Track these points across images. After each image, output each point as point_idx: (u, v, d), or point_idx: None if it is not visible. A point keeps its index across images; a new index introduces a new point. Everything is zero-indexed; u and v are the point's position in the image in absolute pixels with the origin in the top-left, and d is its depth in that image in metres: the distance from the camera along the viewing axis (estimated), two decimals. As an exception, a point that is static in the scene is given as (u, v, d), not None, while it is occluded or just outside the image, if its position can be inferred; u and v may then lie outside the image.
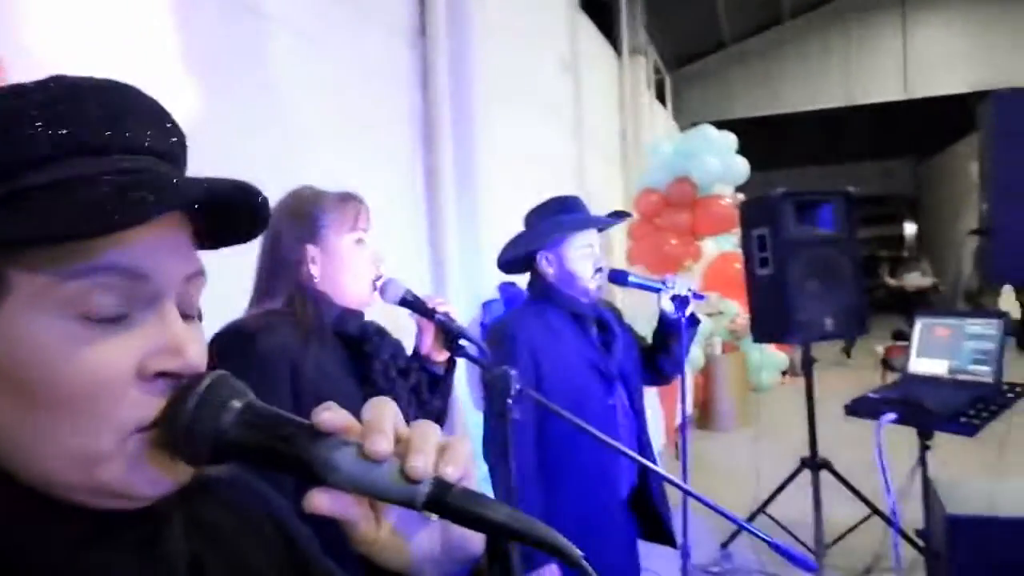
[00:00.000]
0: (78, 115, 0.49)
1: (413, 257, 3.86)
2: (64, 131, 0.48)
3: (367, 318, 1.59)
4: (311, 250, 1.51)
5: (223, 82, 2.52)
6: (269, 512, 0.69)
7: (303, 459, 0.49)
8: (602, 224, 2.23)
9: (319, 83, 3.12)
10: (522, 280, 2.33)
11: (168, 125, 0.55)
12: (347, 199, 1.56)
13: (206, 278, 0.56)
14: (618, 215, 2.33)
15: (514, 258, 2.20)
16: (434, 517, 0.50)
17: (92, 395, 0.48)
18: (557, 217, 2.14)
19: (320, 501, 0.49)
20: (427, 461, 0.49)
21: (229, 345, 1.39)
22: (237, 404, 0.50)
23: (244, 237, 0.58)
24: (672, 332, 2.24)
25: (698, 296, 2.25)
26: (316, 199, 1.54)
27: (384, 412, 0.51)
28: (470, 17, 4.24)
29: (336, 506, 0.50)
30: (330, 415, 0.50)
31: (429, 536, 0.54)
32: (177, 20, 2.33)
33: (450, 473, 0.49)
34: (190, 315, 0.55)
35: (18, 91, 0.49)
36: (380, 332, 1.57)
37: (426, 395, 1.62)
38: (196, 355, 0.52)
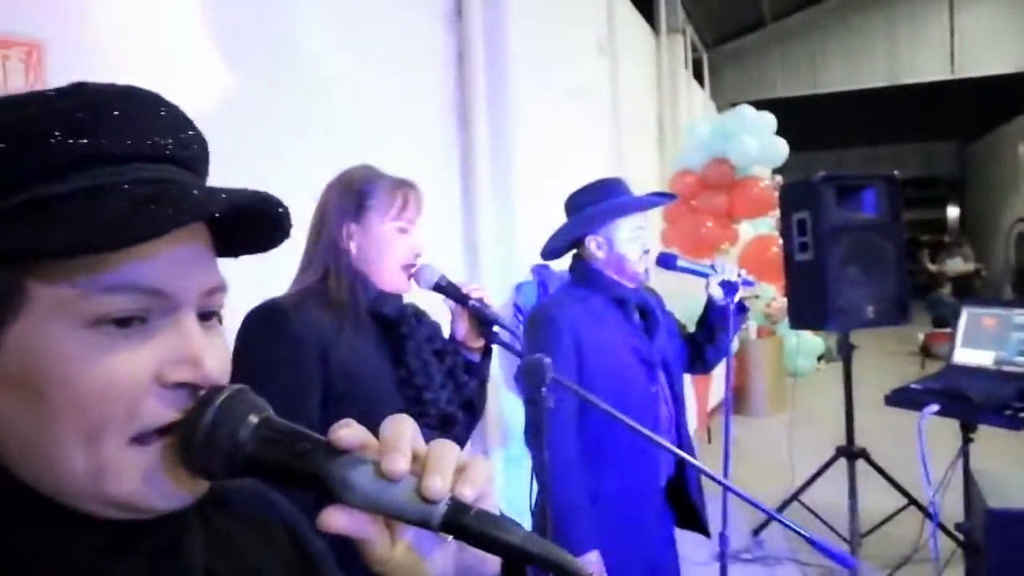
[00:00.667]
0: (99, 124, 0.49)
1: (447, 238, 3.85)
2: (84, 140, 0.48)
3: (407, 300, 1.60)
4: (352, 228, 1.53)
5: (262, 66, 2.51)
6: (284, 524, 0.69)
7: (319, 476, 0.49)
8: (654, 205, 2.21)
9: (355, 64, 3.11)
10: (556, 263, 2.31)
11: (190, 133, 0.55)
12: (400, 185, 1.56)
13: (227, 290, 0.57)
14: (663, 195, 2.31)
15: (561, 244, 2.19)
16: (450, 538, 0.50)
17: (109, 401, 0.48)
18: (606, 200, 2.11)
19: (335, 519, 0.49)
20: (444, 481, 0.48)
21: (261, 322, 1.41)
22: (254, 419, 0.50)
23: (265, 246, 0.58)
24: (719, 319, 2.20)
25: (748, 282, 2.21)
26: (367, 179, 1.56)
27: (402, 430, 0.50)
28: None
29: (351, 524, 0.49)
30: (347, 432, 0.49)
31: (444, 556, 0.53)
32: (215, 3, 2.33)
33: (467, 494, 0.49)
34: (209, 321, 0.55)
35: (40, 99, 0.49)
36: (417, 314, 1.58)
37: (463, 378, 1.61)
38: (214, 366, 0.52)
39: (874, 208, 3.56)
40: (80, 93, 0.50)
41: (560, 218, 2.25)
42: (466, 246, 4.03)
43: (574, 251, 2.20)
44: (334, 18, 3.01)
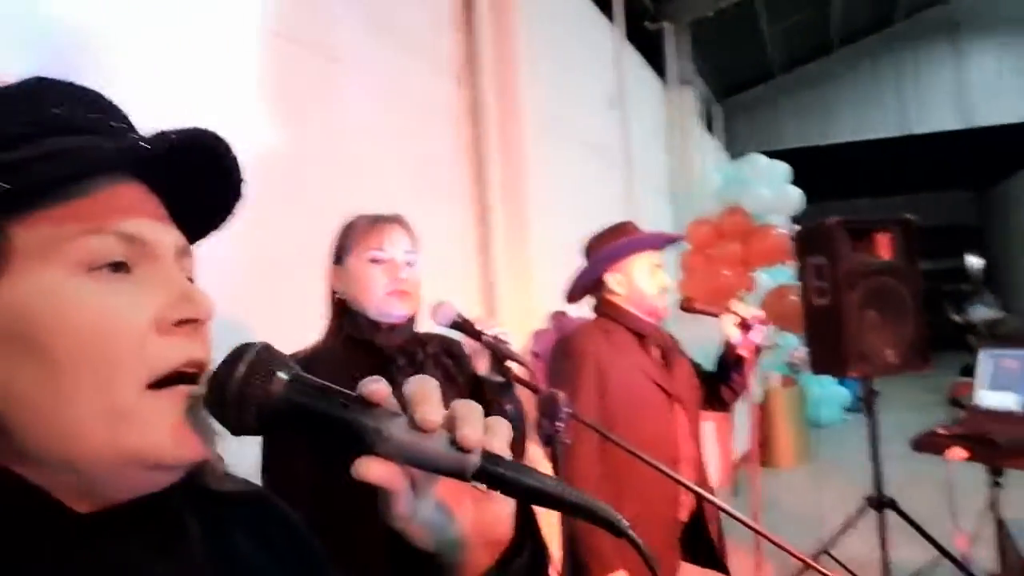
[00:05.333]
0: (66, 101, 0.53)
1: (463, 287, 3.87)
2: (53, 111, 0.52)
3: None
4: (336, 271, 1.65)
5: (291, 118, 2.61)
6: (284, 525, 0.69)
7: (354, 427, 0.49)
8: (668, 241, 2.28)
9: (377, 117, 3.20)
10: (573, 310, 2.34)
11: (120, 113, 0.58)
12: (374, 220, 1.66)
13: (193, 258, 0.58)
14: (675, 235, 2.38)
15: (582, 283, 2.25)
16: (482, 487, 0.51)
17: (110, 346, 0.48)
18: (621, 239, 2.19)
19: (372, 468, 0.50)
20: (477, 432, 0.50)
21: None
22: (286, 374, 0.51)
23: (219, 207, 0.60)
24: (735, 360, 2.24)
25: (761, 321, 2.25)
26: (348, 225, 1.68)
27: (430, 385, 0.52)
28: (516, 51, 4.29)
29: (385, 475, 0.50)
30: (379, 386, 0.50)
31: (462, 517, 0.54)
32: (246, 59, 2.42)
33: (496, 446, 0.51)
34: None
35: (11, 86, 0.54)
36: (413, 352, 1.63)
37: None
38: (208, 302, 0.53)
39: (890, 252, 3.54)
40: (42, 80, 0.55)
41: (576, 267, 2.30)
42: (483, 294, 4.05)
43: (595, 290, 2.25)
44: (361, 78, 3.10)
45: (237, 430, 0.51)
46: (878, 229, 3.54)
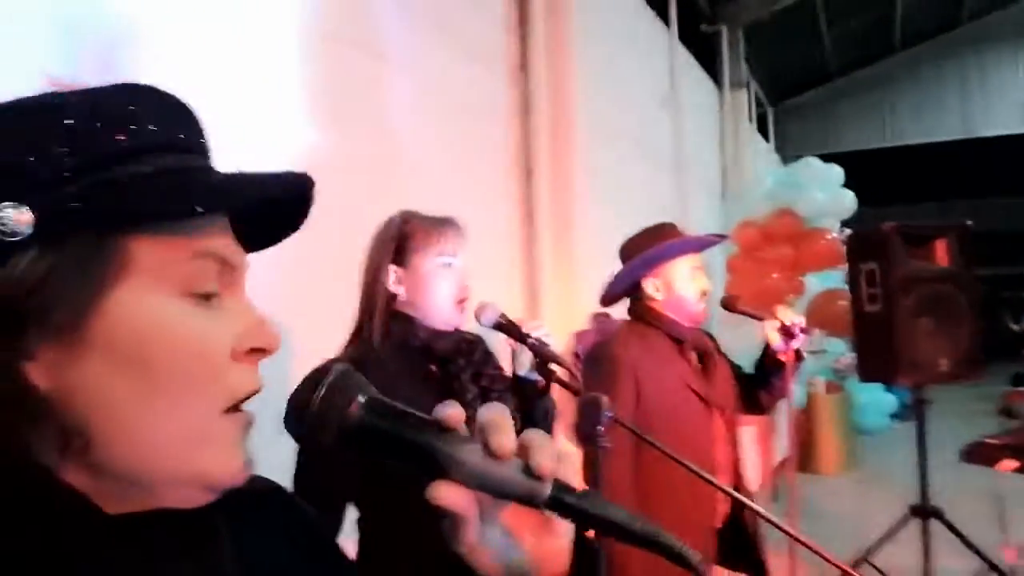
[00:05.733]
0: (162, 116, 0.53)
1: (508, 287, 3.91)
2: (154, 128, 0.52)
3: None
4: (395, 270, 1.57)
5: (341, 118, 2.67)
6: (305, 525, 0.70)
7: (429, 451, 0.51)
8: (709, 245, 2.23)
9: (426, 117, 3.24)
10: (615, 311, 2.33)
11: (204, 130, 0.59)
12: (439, 223, 1.61)
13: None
14: (715, 236, 2.33)
15: (619, 287, 2.21)
16: (554, 516, 0.52)
17: (199, 369, 0.50)
18: (660, 243, 2.15)
19: (445, 493, 0.51)
20: (551, 461, 0.50)
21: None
22: (364, 396, 0.52)
23: (276, 238, 0.62)
24: (775, 365, 2.20)
25: (804, 330, 2.20)
26: (406, 222, 1.61)
27: (503, 414, 0.52)
28: (569, 54, 4.31)
29: (459, 500, 0.51)
30: (454, 412, 0.52)
31: (526, 551, 0.55)
32: (298, 60, 2.49)
33: (568, 476, 0.51)
34: None
35: (103, 91, 0.53)
36: (469, 351, 1.61)
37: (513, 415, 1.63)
38: (277, 332, 0.55)
39: (947, 259, 3.46)
40: (139, 89, 0.55)
41: (615, 269, 2.28)
42: (527, 294, 4.08)
43: (632, 295, 2.22)
44: (411, 76, 3.15)
45: (312, 449, 0.54)
46: (934, 235, 3.48)
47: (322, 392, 0.51)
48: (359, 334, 1.57)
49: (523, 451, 0.51)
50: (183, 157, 0.53)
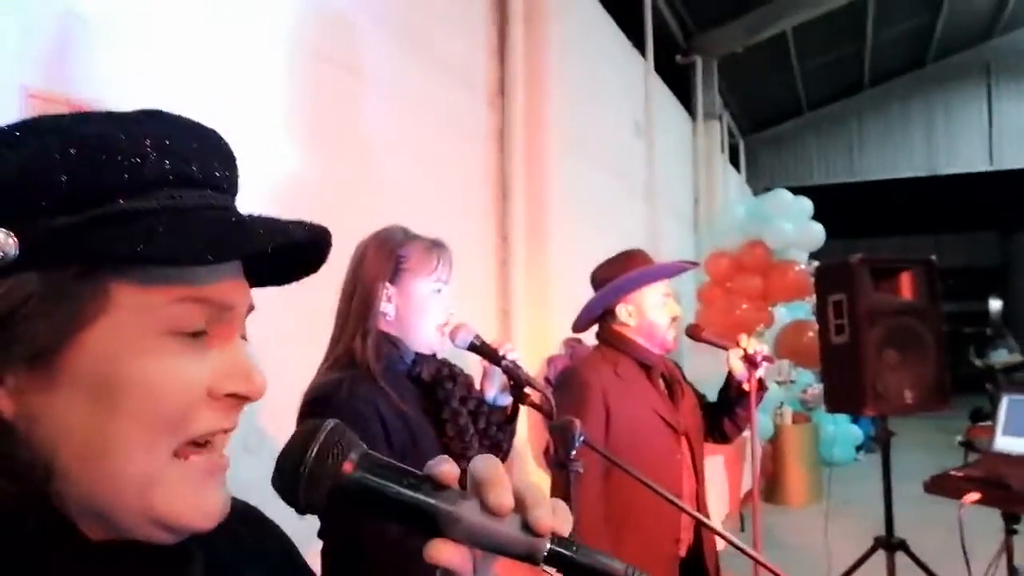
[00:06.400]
0: (180, 149, 0.52)
1: (481, 310, 3.90)
2: (167, 162, 0.50)
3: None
4: (388, 288, 1.53)
5: (319, 136, 2.66)
6: (282, 550, 0.70)
7: (426, 510, 0.50)
8: (680, 271, 2.25)
9: (404, 138, 3.25)
10: (586, 337, 2.33)
11: (235, 165, 0.58)
12: (434, 246, 1.59)
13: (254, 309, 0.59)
14: (686, 263, 2.34)
15: (591, 314, 2.21)
16: (552, 572, 0.51)
17: (167, 408, 0.49)
18: (632, 270, 2.16)
19: (443, 552, 0.50)
20: (550, 516, 0.50)
21: (323, 408, 1.39)
22: (357, 454, 0.51)
23: (291, 278, 0.62)
24: (738, 394, 2.21)
25: (767, 359, 2.21)
26: (403, 241, 1.57)
27: (499, 468, 0.51)
28: (547, 79, 4.35)
29: (455, 558, 0.50)
30: (449, 468, 0.51)
31: None
32: (278, 78, 2.48)
33: (564, 529, 0.51)
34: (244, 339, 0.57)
35: (121, 118, 0.52)
36: (452, 376, 1.59)
37: (497, 436, 1.61)
38: (263, 381, 0.54)
39: (912, 292, 3.52)
40: (162, 118, 0.53)
41: (588, 295, 2.27)
42: (500, 318, 4.08)
43: (602, 320, 2.22)
44: (389, 96, 3.16)
45: (305, 509, 0.51)
46: (900, 269, 3.54)
47: (314, 451, 0.50)
48: (347, 353, 1.50)
49: (520, 506, 0.50)
50: (198, 193, 0.52)
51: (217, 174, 0.54)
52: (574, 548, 0.50)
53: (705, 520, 1.39)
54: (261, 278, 0.60)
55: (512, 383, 1.57)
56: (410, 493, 0.50)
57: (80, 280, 0.47)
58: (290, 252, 0.56)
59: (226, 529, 0.62)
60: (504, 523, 0.50)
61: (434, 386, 1.55)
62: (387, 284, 1.53)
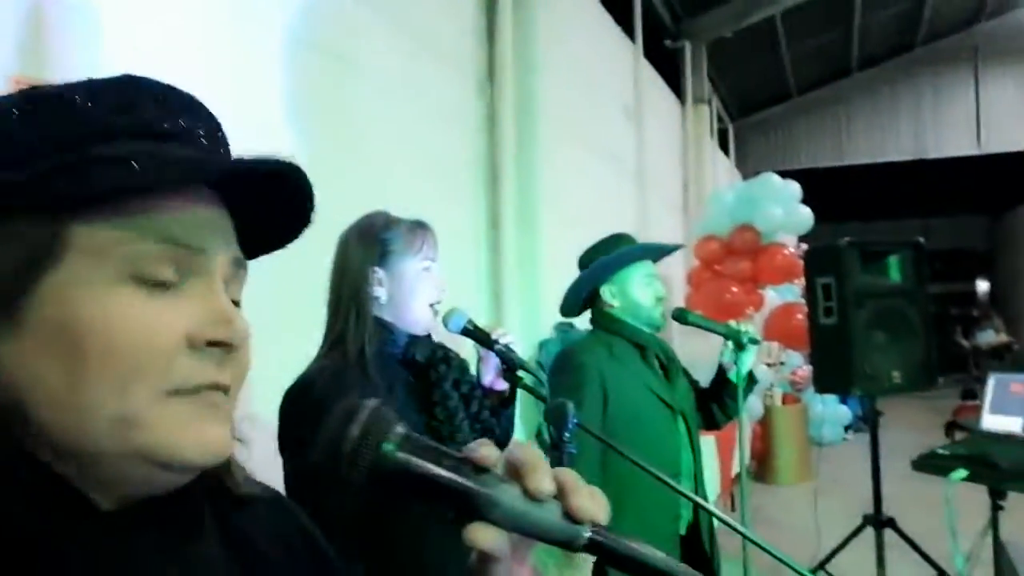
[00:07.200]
0: (141, 102, 0.53)
1: (473, 295, 3.91)
2: (127, 116, 0.51)
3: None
4: (378, 272, 1.53)
5: (308, 122, 2.66)
6: (303, 533, 0.70)
7: (466, 492, 0.50)
8: (661, 252, 2.25)
9: (395, 125, 3.25)
10: (579, 322, 2.35)
11: (206, 118, 0.57)
12: (417, 226, 1.59)
13: (247, 272, 0.58)
14: (672, 245, 2.35)
15: (577, 297, 2.22)
16: (590, 558, 0.52)
17: (138, 357, 0.48)
18: (615, 251, 2.17)
19: (483, 535, 0.50)
20: (588, 503, 0.50)
21: (300, 400, 1.40)
22: (398, 433, 0.51)
23: (286, 235, 0.61)
24: (728, 383, 2.23)
25: (754, 341, 2.23)
26: (387, 224, 1.57)
27: (538, 454, 0.51)
28: (536, 65, 4.35)
29: (494, 542, 0.50)
30: (489, 451, 0.51)
31: None
32: (266, 64, 2.48)
33: (602, 518, 0.51)
34: (236, 303, 0.56)
35: (86, 82, 0.53)
36: (446, 358, 1.59)
37: (490, 421, 1.62)
38: (244, 328, 0.53)
39: (900, 274, 3.56)
40: (127, 79, 0.54)
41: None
42: (492, 303, 4.09)
43: (594, 305, 2.24)
44: (381, 84, 3.15)
45: (344, 486, 0.51)
46: (888, 251, 3.57)
47: (357, 430, 0.50)
48: (339, 341, 1.50)
49: (560, 492, 0.50)
50: (167, 146, 0.52)
51: (184, 125, 0.54)
52: (613, 536, 0.50)
53: (698, 500, 1.41)
54: (257, 244, 0.60)
55: (506, 367, 1.58)
56: (450, 475, 0.50)
57: (36, 226, 0.48)
58: (269, 203, 0.56)
59: (243, 506, 0.62)
60: (545, 509, 0.50)
61: (427, 368, 1.55)
62: (375, 268, 1.53)
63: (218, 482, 0.59)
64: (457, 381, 1.58)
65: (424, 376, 1.55)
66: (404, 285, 1.54)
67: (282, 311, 1.99)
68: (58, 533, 0.48)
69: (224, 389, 0.52)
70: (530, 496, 0.50)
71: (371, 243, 1.54)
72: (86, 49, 1.81)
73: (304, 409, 1.39)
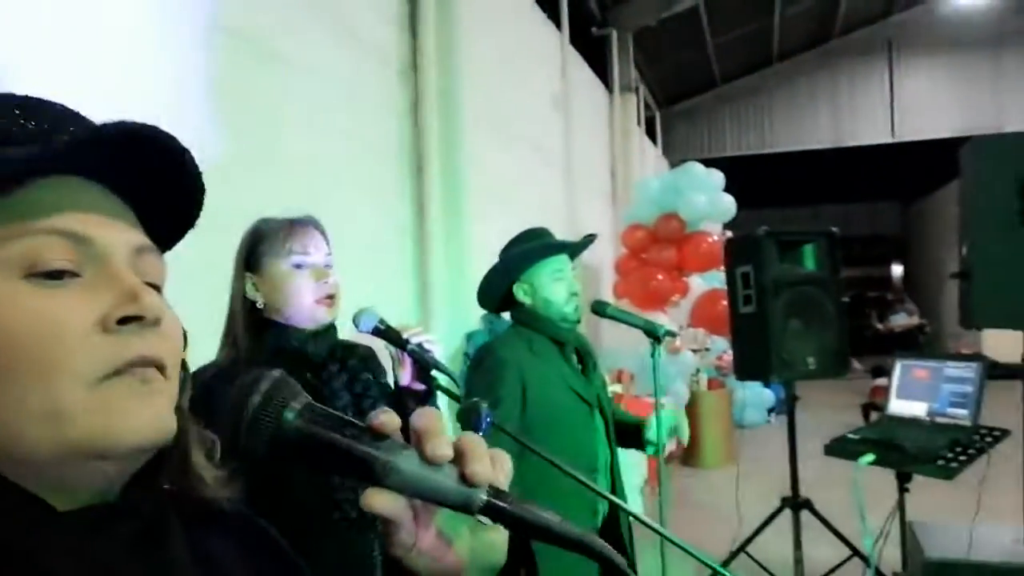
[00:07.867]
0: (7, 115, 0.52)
1: (399, 287, 3.87)
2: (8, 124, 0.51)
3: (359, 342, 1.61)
4: (250, 277, 1.57)
5: (229, 113, 2.57)
6: (270, 547, 0.69)
7: (364, 459, 0.50)
8: (567, 247, 2.23)
9: (317, 115, 3.16)
10: (508, 312, 2.33)
11: (63, 118, 0.57)
12: (289, 224, 1.59)
13: (163, 259, 0.58)
14: (585, 239, 2.35)
15: (492, 295, 2.21)
16: (486, 521, 0.52)
17: (48, 350, 0.48)
18: (525, 246, 2.16)
19: (379, 500, 0.51)
20: (486, 467, 0.51)
21: (199, 402, 1.37)
22: (298, 403, 0.51)
23: (184, 212, 0.60)
24: (636, 445, 2.25)
25: (670, 334, 2.26)
26: (259, 228, 1.60)
27: (439, 420, 0.53)
28: (460, 52, 4.30)
29: (392, 506, 0.51)
30: (389, 418, 0.52)
31: (460, 547, 0.55)
32: (184, 51, 2.37)
33: (502, 481, 0.52)
34: (156, 287, 0.56)
35: None
36: (343, 357, 1.59)
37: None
38: (154, 303, 0.52)
39: (814, 263, 3.67)
40: (17, 97, 0.54)
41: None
42: (419, 294, 4.05)
43: (511, 300, 2.23)
44: (299, 72, 3.06)
45: (245, 456, 0.51)
46: (804, 241, 3.68)
47: (258, 398, 0.50)
48: (230, 343, 1.56)
49: (458, 457, 0.51)
50: (28, 148, 0.51)
51: (31, 127, 0.53)
52: (510, 500, 0.51)
53: (613, 498, 1.42)
54: (173, 228, 0.60)
55: (419, 367, 1.57)
56: (349, 442, 0.50)
57: None
58: (158, 181, 0.56)
59: (209, 521, 0.62)
60: (441, 473, 0.51)
61: (320, 367, 1.57)
62: (247, 273, 1.57)
63: (182, 485, 0.58)
64: (351, 379, 1.58)
65: (321, 371, 1.57)
66: (275, 287, 1.56)
67: (193, 306, 1.92)
68: (14, 535, 0.47)
69: (156, 364, 0.52)
70: (428, 461, 0.50)
71: (242, 249, 1.60)
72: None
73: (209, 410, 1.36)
